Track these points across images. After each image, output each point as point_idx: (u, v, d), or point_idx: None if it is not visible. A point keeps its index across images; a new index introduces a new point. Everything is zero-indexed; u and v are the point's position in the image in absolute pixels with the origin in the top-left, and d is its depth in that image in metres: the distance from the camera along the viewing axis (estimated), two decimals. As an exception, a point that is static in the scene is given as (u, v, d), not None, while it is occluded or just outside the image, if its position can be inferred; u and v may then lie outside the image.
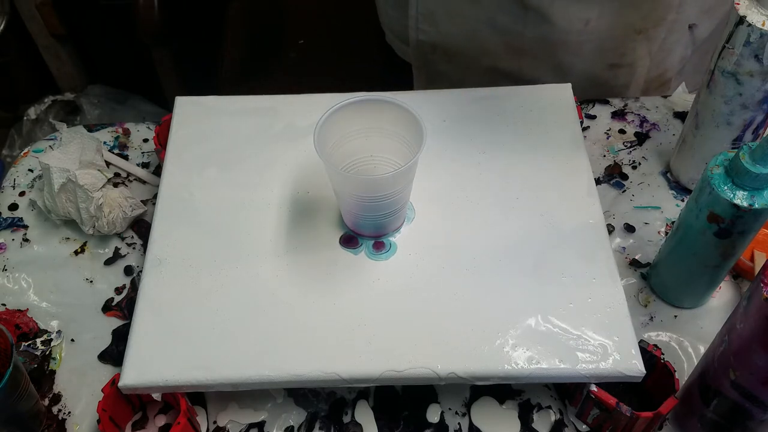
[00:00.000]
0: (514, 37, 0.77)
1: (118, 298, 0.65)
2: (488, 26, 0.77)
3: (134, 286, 0.66)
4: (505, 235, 0.60)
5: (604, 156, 0.74)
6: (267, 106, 0.71)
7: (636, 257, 0.67)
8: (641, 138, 0.76)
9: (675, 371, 0.54)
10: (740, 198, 0.50)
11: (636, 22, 0.76)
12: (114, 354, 0.62)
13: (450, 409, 0.58)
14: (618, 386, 0.58)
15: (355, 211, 0.58)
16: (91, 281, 0.67)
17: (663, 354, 0.56)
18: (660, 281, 0.63)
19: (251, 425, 0.58)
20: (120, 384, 0.53)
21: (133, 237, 0.70)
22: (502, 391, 0.59)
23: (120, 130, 0.80)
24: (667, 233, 0.68)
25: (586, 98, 0.79)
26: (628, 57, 0.79)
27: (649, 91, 0.84)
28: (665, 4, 0.74)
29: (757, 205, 0.50)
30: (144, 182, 0.74)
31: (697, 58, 0.83)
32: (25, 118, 1.56)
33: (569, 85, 0.71)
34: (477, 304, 0.56)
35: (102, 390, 0.54)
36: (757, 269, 0.63)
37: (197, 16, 1.50)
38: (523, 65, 0.80)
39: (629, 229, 0.68)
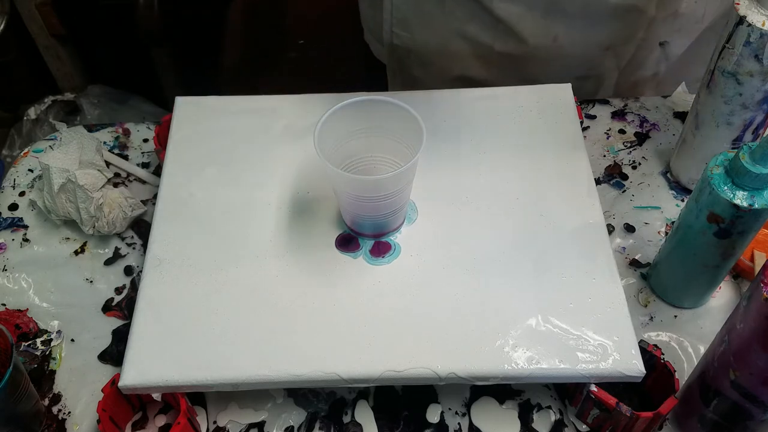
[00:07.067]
0: (484, 49, 0.79)
1: (118, 298, 0.65)
2: (459, 36, 0.79)
3: (134, 286, 0.66)
4: (505, 235, 0.60)
5: (604, 156, 0.74)
6: (267, 106, 0.71)
7: (636, 257, 0.67)
8: (641, 138, 0.76)
9: (675, 371, 0.54)
10: (740, 198, 0.50)
11: (603, 39, 0.76)
12: (114, 354, 0.62)
13: (450, 409, 0.58)
14: (618, 386, 0.58)
15: (355, 211, 0.58)
16: (91, 281, 0.67)
17: (663, 354, 0.55)
18: (660, 281, 0.63)
19: (251, 425, 0.58)
20: (120, 384, 0.53)
21: (133, 237, 0.70)
22: (502, 391, 0.59)
23: (120, 130, 0.80)
24: (667, 233, 0.68)
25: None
26: (596, 70, 0.80)
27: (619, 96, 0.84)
28: (633, 22, 0.75)
29: (757, 205, 0.50)
30: (144, 182, 0.74)
31: (673, 69, 0.84)
32: (25, 118, 1.55)
33: (569, 85, 0.71)
34: (477, 304, 0.56)
35: (102, 390, 0.54)
36: (757, 269, 0.63)
37: (197, 16, 1.51)
38: (492, 75, 0.81)
39: (629, 229, 0.68)
